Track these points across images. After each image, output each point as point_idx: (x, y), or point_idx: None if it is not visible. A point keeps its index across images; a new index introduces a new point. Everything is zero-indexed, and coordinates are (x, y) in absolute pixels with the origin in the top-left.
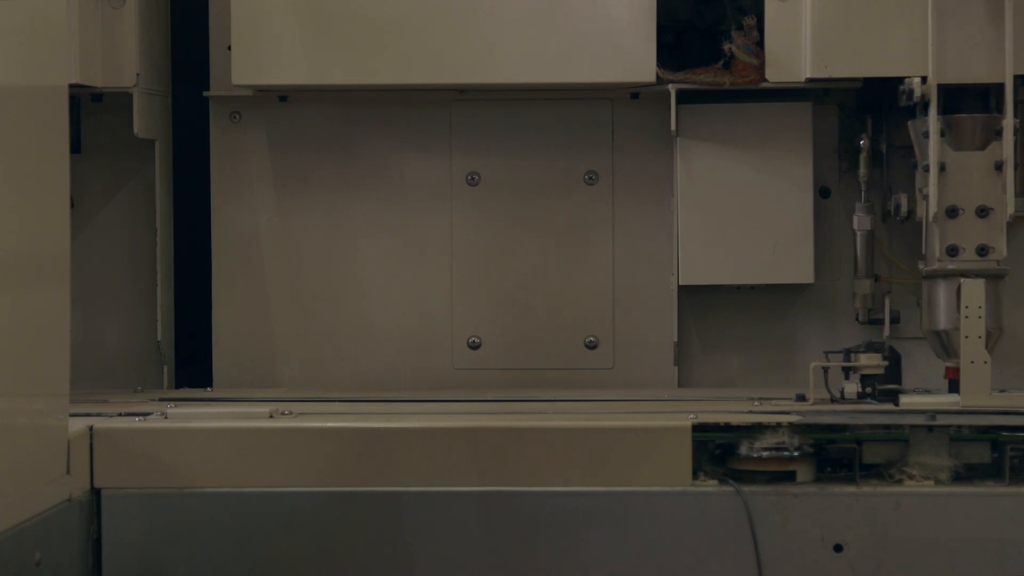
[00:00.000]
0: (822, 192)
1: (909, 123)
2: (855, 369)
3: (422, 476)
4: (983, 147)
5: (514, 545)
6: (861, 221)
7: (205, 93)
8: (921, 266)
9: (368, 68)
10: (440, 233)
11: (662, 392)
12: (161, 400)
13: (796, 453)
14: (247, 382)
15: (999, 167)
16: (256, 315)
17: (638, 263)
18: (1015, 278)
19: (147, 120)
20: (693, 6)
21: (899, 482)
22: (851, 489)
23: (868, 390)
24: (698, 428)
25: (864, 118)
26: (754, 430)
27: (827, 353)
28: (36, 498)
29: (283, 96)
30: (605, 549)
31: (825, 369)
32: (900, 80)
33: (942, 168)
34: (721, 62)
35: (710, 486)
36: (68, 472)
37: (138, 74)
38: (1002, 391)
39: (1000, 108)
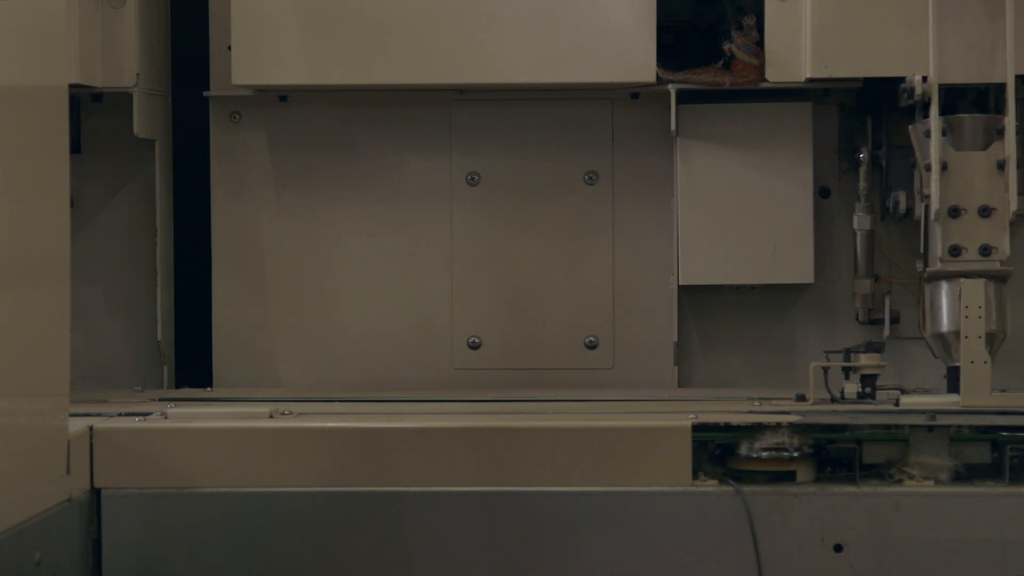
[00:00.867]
0: (822, 192)
1: (910, 127)
2: (855, 369)
3: (422, 476)
4: (985, 147)
5: (514, 545)
6: (861, 221)
7: (205, 93)
8: (919, 266)
9: (368, 68)
10: (440, 233)
11: (662, 392)
12: (161, 400)
13: (796, 453)
14: (247, 382)
15: (1001, 166)
16: (256, 315)
17: (638, 263)
18: (1015, 276)
19: (147, 120)
20: (693, 6)
21: (899, 482)
22: (851, 489)
23: (868, 390)
24: (698, 428)
25: (864, 118)
26: (754, 430)
27: (827, 353)
28: (36, 498)
29: (283, 96)
30: (605, 549)
31: (825, 369)
32: (900, 80)
33: (944, 168)
34: (721, 62)
35: (710, 486)
36: (68, 472)
37: (138, 74)
38: (1002, 391)
39: (999, 108)
